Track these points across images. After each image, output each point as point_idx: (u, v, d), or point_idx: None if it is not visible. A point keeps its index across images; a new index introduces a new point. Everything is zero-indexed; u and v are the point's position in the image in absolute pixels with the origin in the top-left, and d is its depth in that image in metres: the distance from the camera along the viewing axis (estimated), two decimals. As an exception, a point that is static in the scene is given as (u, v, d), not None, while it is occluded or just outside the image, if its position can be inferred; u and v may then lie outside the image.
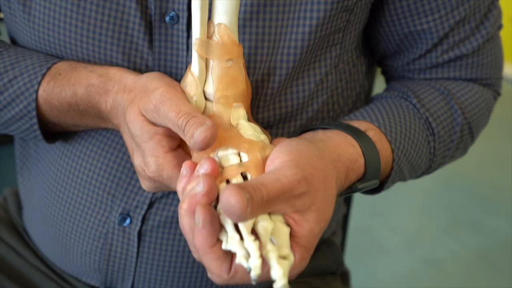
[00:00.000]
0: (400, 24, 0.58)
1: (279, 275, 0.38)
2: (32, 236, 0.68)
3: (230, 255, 0.41)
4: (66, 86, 0.54)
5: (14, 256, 0.68)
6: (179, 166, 0.46)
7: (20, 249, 0.68)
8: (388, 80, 0.69)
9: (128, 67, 0.55)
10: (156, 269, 0.61)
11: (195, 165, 0.44)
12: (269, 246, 0.40)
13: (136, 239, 0.60)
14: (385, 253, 1.78)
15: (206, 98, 0.48)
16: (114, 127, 0.54)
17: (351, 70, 0.60)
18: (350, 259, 0.76)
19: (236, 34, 0.47)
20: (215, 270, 0.41)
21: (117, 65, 0.55)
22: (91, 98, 0.53)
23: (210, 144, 0.44)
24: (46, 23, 0.55)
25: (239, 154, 0.45)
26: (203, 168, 0.42)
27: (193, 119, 0.45)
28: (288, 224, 0.42)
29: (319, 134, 0.52)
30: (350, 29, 0.56)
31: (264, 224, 0.41)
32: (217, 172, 0.43)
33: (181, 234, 0.60)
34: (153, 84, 0.48)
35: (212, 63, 0.47)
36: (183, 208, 0.41)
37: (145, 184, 0.50)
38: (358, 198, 0.92)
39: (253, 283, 0.39)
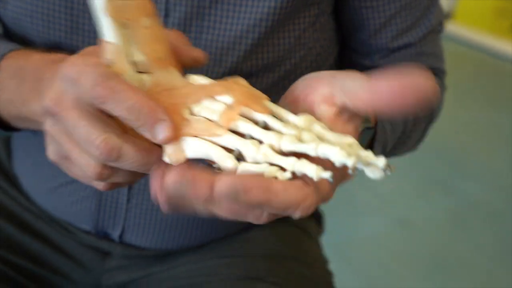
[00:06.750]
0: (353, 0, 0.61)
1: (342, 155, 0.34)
2: (24, 184, 0.69)
3: None
4: None
5: (6, 198, 0.68)
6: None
7: (11, 191, 0.68)
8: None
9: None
10: (145, 213, 0.62)
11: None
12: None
13: (126, 187, 0.61)
14: (361, 214, 1.82)
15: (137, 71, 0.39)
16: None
17: (329, 34, 0.63)
18: (327, 219, 0.80)
19: None
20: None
21: (86, 16, 0.53)
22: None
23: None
24: None
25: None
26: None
27: (145, 109, 0.36)
28: None
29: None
30: None
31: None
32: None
33: None
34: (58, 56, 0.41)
35: (128, 28, 0.39)
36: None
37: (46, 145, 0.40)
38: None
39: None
